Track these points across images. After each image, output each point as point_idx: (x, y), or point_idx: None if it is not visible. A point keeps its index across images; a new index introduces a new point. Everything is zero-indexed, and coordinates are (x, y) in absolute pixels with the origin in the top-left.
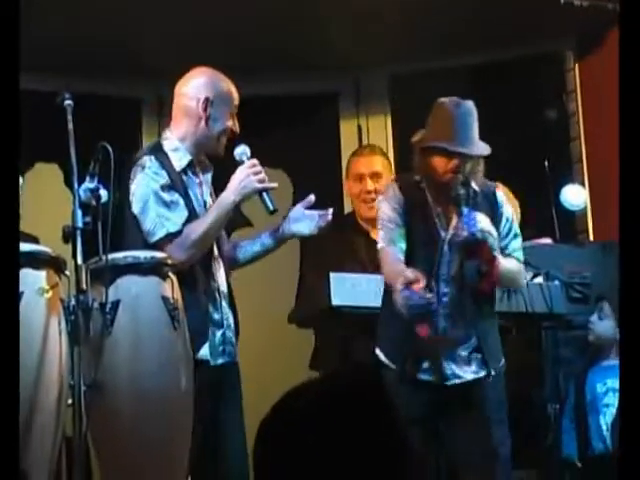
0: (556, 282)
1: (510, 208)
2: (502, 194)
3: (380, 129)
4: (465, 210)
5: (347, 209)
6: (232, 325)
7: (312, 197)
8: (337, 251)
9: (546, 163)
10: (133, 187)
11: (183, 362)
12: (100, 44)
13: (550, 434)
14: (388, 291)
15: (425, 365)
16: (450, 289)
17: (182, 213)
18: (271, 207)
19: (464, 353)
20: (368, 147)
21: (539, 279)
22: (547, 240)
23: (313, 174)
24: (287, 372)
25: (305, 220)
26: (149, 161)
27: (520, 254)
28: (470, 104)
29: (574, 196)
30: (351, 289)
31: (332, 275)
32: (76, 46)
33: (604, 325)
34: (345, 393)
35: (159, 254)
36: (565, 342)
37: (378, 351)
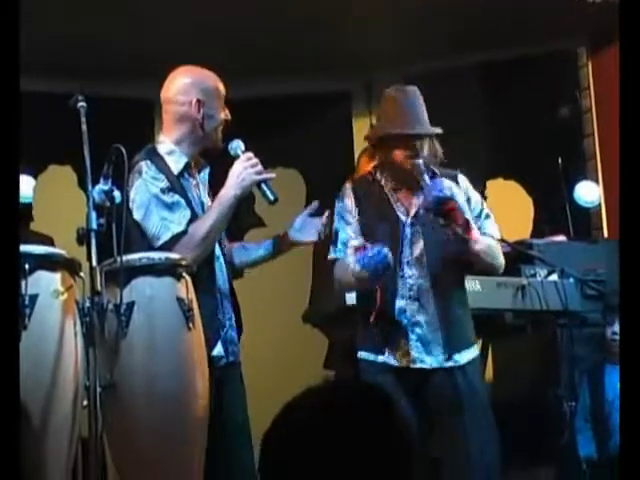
0: (571, 279)
1: (476, 192)
2: (464, 178)
3: None
4: (428, 180)
5: None
6: (235, 325)
7: (316, 203)
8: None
9: (560, 160)
10: (132, 194)
11: (198, 363)
12: (113, 46)
13: (566, 432)
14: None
15: (396, 347)
16: (413, 272)
17: (185, 213)
18: (271, 197)
19: (429, 337)
20: None
21: (554, 276)
22: (561, 237)
23: (326, 173)
24: (301, 372)
25: (309, 227)
26: (145, 166)
27: (496, 233)
28: (414, 88)
29: (588, 193)
30: None
31: None
32: (89, 49)
33: None
34: (350, 400)
35: (173, 255)
36: (580, 339)
37: (360, 353)
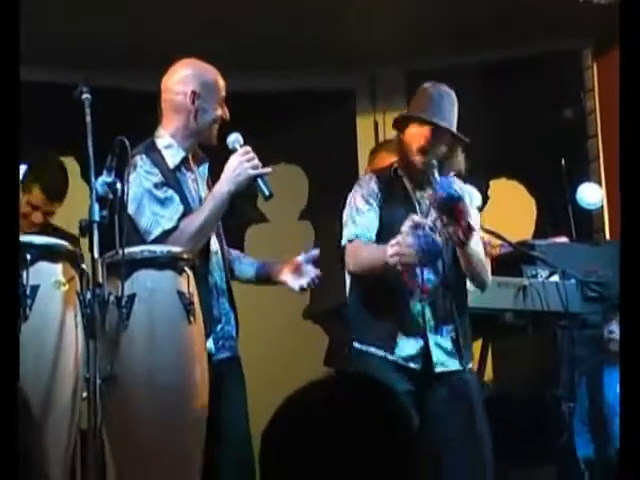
0: (572, 281)
1: (476, 202)
2: (471, 188)
3: None
4: (438, 177)
5: None
6: (232, 320)
7: (316, 252)
8: None
9: (563, 161)
10: (127, 187)
11: (198, 356)
12: (118, 37)
13: (565, 432)
14: (356, 283)
15: (410, 349)
16: (431, 276)
17: (177, 208)
18: (267, 192)
19: (445, 342)
20: (389, 143)
21: (555, 277)
22: (563, 239)
23: (329, 170)
24: (302, 368)
25: (299, 274)
26: (140, 160)
27: (481, 250)
28: (449, 90)
29: (590, 195)
30: None
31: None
32: (93, 39)
33: None
34: (352, 394)
35: (175, 249)
36: (580, 341)
37: (357, 344)
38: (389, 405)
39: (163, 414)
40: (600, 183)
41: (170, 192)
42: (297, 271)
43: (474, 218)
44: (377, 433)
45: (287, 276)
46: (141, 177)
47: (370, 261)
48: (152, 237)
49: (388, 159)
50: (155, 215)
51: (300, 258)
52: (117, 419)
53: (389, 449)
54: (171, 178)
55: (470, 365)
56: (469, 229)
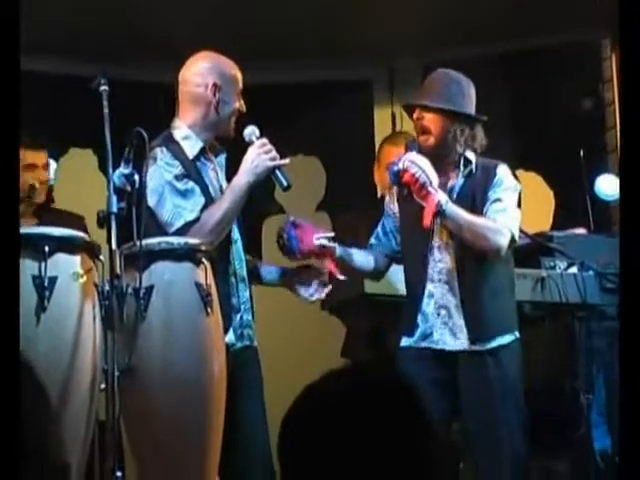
0: (590, 272)
1: (511, 182)
2: (505, 169)
3: None
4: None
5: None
6: (249, 308)
7: (328, 288)
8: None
9: (581, 153)
10: (146, 180)
11: (216, 348)
12: (134, 29)
13: (583, 424)
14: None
15: (426, 329)
16: (444, 256)
17: (198, 200)
18: (285, 183)
19: (459, 322)
20: (401, 135)
21: (573, 269)
22: (581, 230)
23: (346, 161)
24: (319, 359)
25: (306, 285)
26: (160, 152)
27: (498, 216)
28: (447, 71)
29: (609, 186)
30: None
31: None
32: (111, 31)
33: None
34: (372, 385)
35: (193, 240)
36: (598, 333)
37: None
38: (406, 395)
39: (180, 406)
40: (618, 174)
41: (191, 184)
42: (310, 283)
43: (497, 191)
44: (394, 423)
45: (300, 288)
46: (162, 169)
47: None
48: (174, 229)
49: (392, 152)
50: (177, 207)
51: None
52: (135, 411)
53: (406, 440)
54: (192, 169)
55: (491, 346)
56: (426, 195)
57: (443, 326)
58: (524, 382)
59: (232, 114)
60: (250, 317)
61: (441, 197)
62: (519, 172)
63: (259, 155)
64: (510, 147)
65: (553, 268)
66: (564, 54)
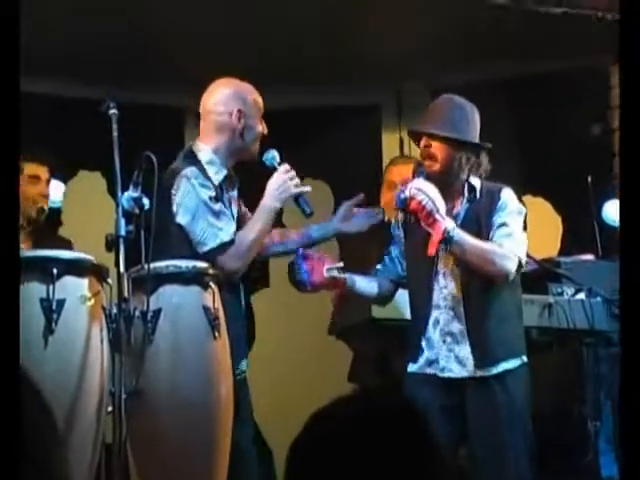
0: (598, 298)
1: (515, 205)
2: (509, 193)
3: None
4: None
5: None
6: (245, 339)
7: (362, 195)
8: (375, 259)
9: (589, 178)
10: (178, 198)
11: (223, 371)
12: (144, 52)
13: (590, 451)
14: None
15: (430, 356)
16: (448, 282)
17: (231, 223)
18: (308, 210)
19: (465, 349)
20: (404, 157)
21: (581, 295)
22: (589, 256)
23: (355, 185)
24: (325, 384)
25: (354, 218)
26: (192, 172)
27: (505, 241)
28: (452, 97)
29: (616, 212)
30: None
31: None
32: (120, 55)
33: None
34: (380, 411)
35: (200, 264)
36: (606, 359)
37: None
38: (413, 421)
39: (187, 429)
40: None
41: (222, 207)
42: (352, 217)
43: (502, 215)
44: (401, 449)
45: (345, 225)
46: (197, 189)
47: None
48: (207, 248)
49: (397, 173)
50: (212, 227)
51: (346, 204)
52: (142, 433)
53: (413, 466)
54: (219, 194)
55: (497, 371)
56: (433, 223)
57: (448, 353)
58: (531, 407)
59: (257, 138)
60: (246, 348)
61: (448, 224)
62: (527, 197)
63: (285, 182)
64: (518, 172)
65: (561, 294)
66: (572, 80)
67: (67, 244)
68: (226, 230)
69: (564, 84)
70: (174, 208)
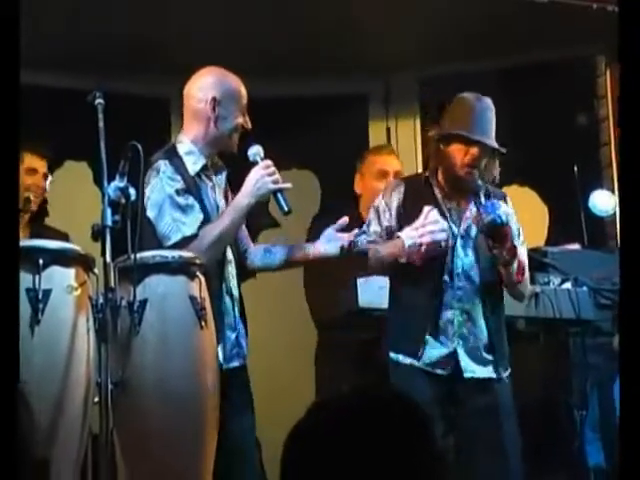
0: (584, 288)
1: (512, 210)
2: (508, 199)
3: (409, 131)
4: (484, 200)
5: None
6: (242, 330)
7: (345, 219)
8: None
9: (575, 168)
10: (148, 191)
11: (210, 361)
12: (131, 43)
13: (576, 440)
14: (391, 292)
15: (437, 355)
16: (463, 283)
17: (197, 216)
18: (285, 208)
19: (478, 350)
20: (386, 147)
21: (567, 285)
22: (575, 246)
23: (341, 175)
24: (310, 374)
25: (335, 241)
26: (164, 165)
27: (526, 260)
28: (489, 100)
29: (603, 202)
30: (378, 291)
31: (359, 279)
32: (107, 45)
33: None
34: (377, 405)
35: (187, 254)
36: (592, 349)
37: (392, 353)
38: (409, 416)
39: (174, 419)
40: (613, 190)
41: (191, 199)
42: (334, 240)
43: (519, 235)
44: (396, 444)
45: (325, 247)
46: (163, 183)
47: (389, 257)
48: (171, 242)
49: (387, 163)
50: (176, 221)
51: (330, 229)
52: (128, 424)
53: (408, 460)
54: (192, 185)
55: (506, 374)
56: (513, 250)
57: (463, 354)
58: (517, 396)
59: (233, 130)
60: (243, 338)
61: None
62: (513, 187)
63: (262, 177)
64: (504, 162)
65: (547, 284)
66: (559, 70)
67: (64, 237)
68: (190, 224)
69: (550, 74)
70: (145, 201)
